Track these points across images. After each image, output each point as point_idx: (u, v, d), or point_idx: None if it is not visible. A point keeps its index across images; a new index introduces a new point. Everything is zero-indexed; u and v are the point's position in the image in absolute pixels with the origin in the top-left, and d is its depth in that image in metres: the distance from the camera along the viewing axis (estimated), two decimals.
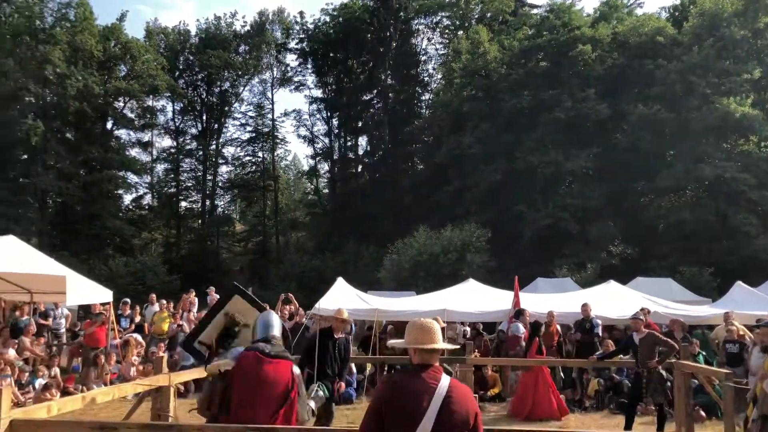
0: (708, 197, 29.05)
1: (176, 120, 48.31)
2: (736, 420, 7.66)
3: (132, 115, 44.43)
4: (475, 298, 14.98)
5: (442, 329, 13.32)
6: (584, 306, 12.61)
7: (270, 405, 4.28)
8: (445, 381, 3.14)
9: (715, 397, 9.52)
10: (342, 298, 14.89)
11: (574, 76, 33.27)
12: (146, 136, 47.19)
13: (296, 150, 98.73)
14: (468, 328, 14.37)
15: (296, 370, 4.51)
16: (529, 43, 35.61)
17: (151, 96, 44.39)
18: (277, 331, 4.79)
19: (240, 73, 48.28)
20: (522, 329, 11.75)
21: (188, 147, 48.75)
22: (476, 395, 13.19)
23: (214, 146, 48.53)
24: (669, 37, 33.08)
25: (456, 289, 16.43)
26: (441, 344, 3.28)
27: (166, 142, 52.49)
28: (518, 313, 11.91)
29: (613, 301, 14.23)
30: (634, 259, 28.60)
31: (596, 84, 33.32)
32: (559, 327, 13.08)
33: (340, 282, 16.24)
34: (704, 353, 11.91)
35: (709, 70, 30.05)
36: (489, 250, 28.92)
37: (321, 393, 6.82)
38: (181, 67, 47.91)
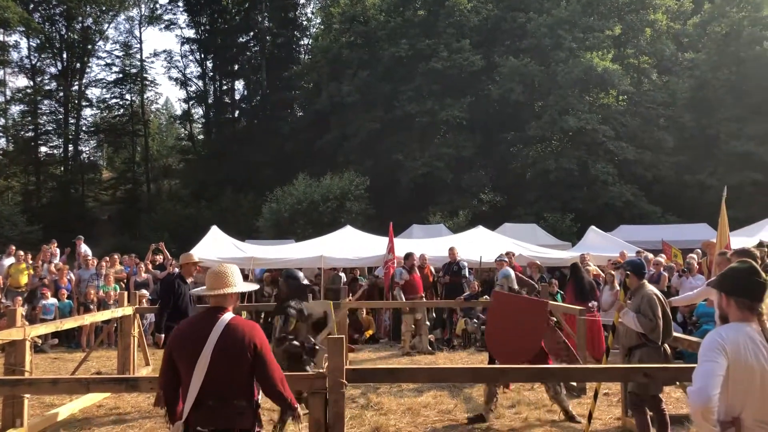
0: (571, 147, 30.77)
1: (32, 58, 44.32)
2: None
3: None
4: (351, 245, 15.18)
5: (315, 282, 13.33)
6: (451, 250, 13.18)
7: None
8: (228, 316, 3.35)
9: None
10: (216, 247, 14.61)
11: (450, 26, 33.71)
12: None
13: (168, 93, 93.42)
14: (343, 274, 14.58)
15: None
16: None
17: (1, 30, 40.37)
18: None
19: (104, 8, 44.82)
20: (405, 273, 12.17)
21: (47, 87, 44.99)
22: (355, 336, 13.27)
23: (76, 87, 45.10)
24: None
25: (333, 236, 16.57)
26: (234, 288, 3.44)
27: (22, 81, 48.31)
28: (406, 257, 12.38)
29: (482, 246, 14.90)
30: (503, 206, 30.06)
31: (471, 35, 34.01)
32: (433, 269, 13.60)
33: (215, 230, 15.91)
34: (562, 292, 12.83)
35: (576, 25, 31.53)
36: (368, 198, 29.35)
37: None
38: None
